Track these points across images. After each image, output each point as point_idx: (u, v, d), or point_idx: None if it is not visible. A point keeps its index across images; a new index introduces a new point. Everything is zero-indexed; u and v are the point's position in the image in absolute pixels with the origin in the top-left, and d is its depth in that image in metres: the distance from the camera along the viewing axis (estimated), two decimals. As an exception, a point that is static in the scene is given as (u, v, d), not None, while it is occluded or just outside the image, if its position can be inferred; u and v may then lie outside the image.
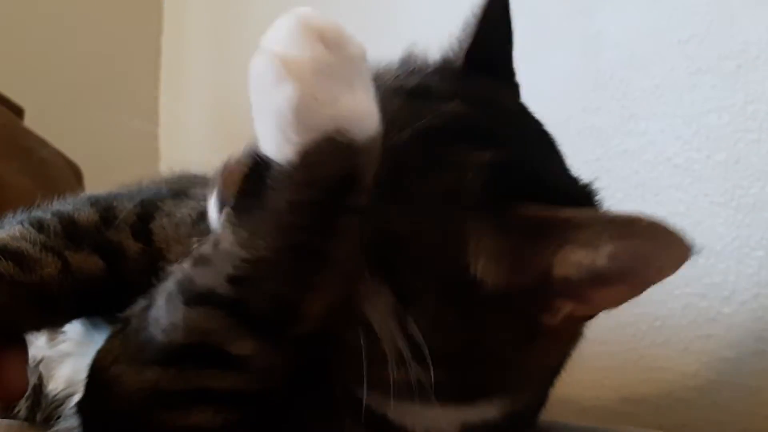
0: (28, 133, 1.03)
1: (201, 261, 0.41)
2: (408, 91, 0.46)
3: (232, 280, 0.39)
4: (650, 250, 0.40)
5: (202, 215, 0.47)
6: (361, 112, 0.37)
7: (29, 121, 1.09)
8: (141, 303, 0.43)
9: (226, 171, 0.42)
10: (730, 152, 0.75)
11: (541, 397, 0.53)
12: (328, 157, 0.37)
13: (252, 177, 0.39)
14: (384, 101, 0.39)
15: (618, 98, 0.84)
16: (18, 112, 1.07)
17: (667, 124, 0.80)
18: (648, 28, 0.83)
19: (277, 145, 0.37)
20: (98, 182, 0.74)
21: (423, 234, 0.42)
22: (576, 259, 0.42)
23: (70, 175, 1.07)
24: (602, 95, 0.85)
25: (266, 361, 0.41)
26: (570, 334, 0.48)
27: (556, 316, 0.44)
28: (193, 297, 0.40)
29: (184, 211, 0.53)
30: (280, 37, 0.37)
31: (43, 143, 1.04)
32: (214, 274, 0.40)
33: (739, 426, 0.73)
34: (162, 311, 0.41)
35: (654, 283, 0.42)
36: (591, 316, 0.46)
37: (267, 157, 0.38)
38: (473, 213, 0.42)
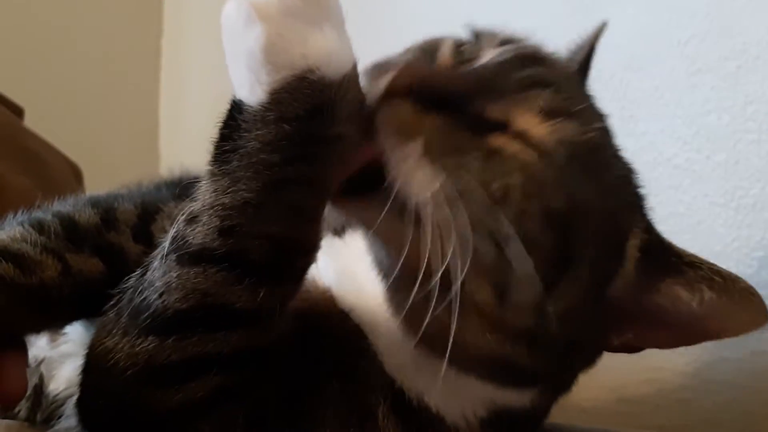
0: (28, 133, 1.03)
1: (192, 218, 0.40)
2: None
3: (222, 231, 0.39)
4: (733, 310, 0.45)
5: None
6: (330, 51, 0.38)
7: (29, 121, 1.08)
8: (136, 273, 0.43)
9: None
10: (729, 153, 0.75)
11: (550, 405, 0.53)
12: (296, 93, 0.38)
13: (227, 124, 0.40)
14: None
15: (618, 99, 0.84)
16: (18, 112, 1.07)
17: (667, 125, 0.80)
18: (648, 29, 0.83)
19: (250, 87, 0.38)
20: (98, 182, 0.74)
21: (602, 207, 0.45)
22: (677, 293, 0.46)
23: (70, 176, 1.07)
24: (602, 96, 0.84)
25: (274, 302, 0.40)
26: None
27: (618, 339, 0.48)
28: (187, 256, 0.40)
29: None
30: None
31: (43, 143, 1.04)
32: (204, 229, 0.39)
33: (739, 426, 0.73)
34: (157, 274, 0.41)
35: (712, 339, 0.47)
36: (634, 350, 0.49)
37: (241, 101, 0.39)
38: (635, 213, 0.48)
